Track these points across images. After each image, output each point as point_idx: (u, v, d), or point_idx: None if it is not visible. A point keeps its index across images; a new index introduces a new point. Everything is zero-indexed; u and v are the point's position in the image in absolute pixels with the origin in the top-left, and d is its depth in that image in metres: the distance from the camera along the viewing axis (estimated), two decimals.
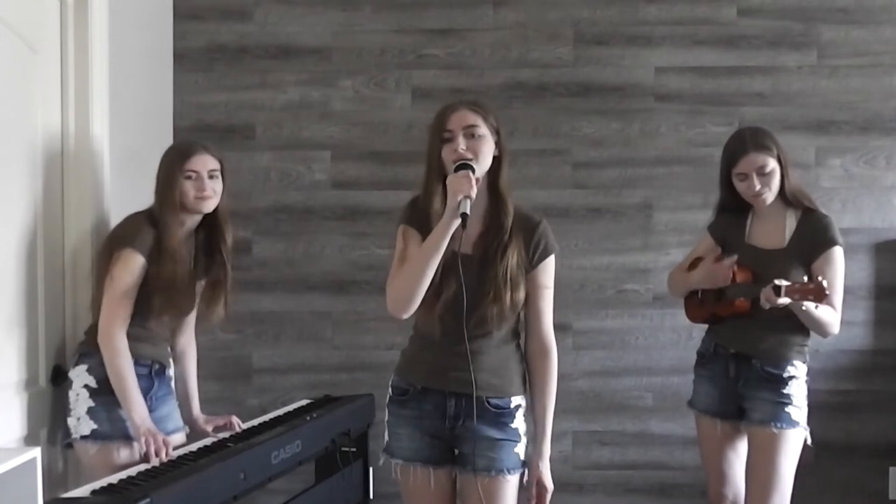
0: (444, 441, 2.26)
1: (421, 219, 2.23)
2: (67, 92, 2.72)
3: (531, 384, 2.29)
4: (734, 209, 2.82)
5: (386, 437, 2.33)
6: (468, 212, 2.05)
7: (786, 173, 2.70)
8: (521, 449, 2.26)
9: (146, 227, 2.52)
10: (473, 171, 2.11)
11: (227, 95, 3.72)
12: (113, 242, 2.54)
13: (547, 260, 2.28)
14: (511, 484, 2.24)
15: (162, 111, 3.59)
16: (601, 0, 3.70)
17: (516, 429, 2.25)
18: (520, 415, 2.27)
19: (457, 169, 2.12)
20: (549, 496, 2.27)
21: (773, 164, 2.67)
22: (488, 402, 2.22)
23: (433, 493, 2.26)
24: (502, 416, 2.23)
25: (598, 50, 3.71)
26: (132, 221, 2.57)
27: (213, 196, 2.58)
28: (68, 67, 2.71)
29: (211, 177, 2.58)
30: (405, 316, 2.18)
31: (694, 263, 2.91)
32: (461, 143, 2.16)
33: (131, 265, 2.47)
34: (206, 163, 2.57)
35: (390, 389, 2.33)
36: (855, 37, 3.66)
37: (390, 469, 2.34)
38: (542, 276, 2.28)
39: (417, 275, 2.12)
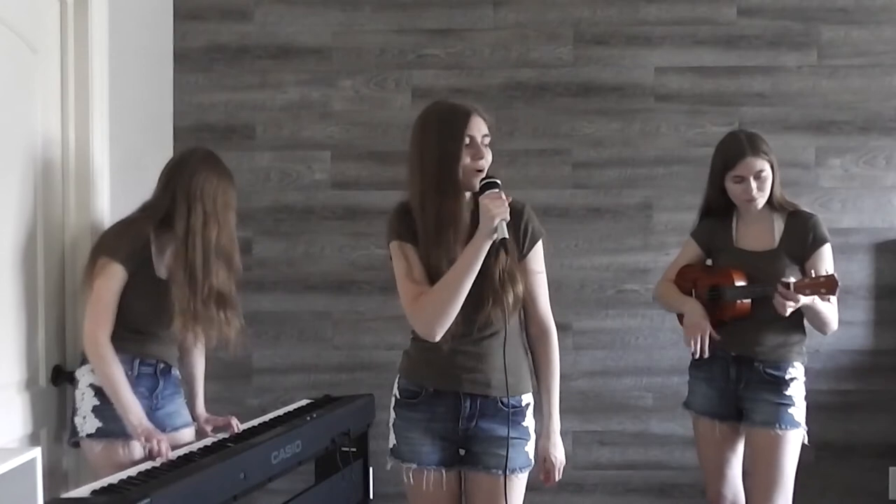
0: (453, 442, 2.26)
1: (413, 230, 2.19)
2: (67, 92, 2.72)
3: (535, 366, 2.30)
4: (718, 212, 2.83)
5: (393, 441, 2.30)
6: (506, 235, 2.04)
7: (775, 179, 2.72)
8: (530, 447, 2.27)
9: (133, 235, 2.51)
10: (500, 188, 2.10)
11: (227, 95, 3.72)
12: (95, 251, 2.54)
13: (536, 246, 2.27)
14: (521, 482, 2.25)
15: (162, 111, 3.59)
16: (601, 0, 3.70)
17: (527, 427, 2.26)
18: (530, 413, 2.28)
19: (485, 187, 2.10)
20: (557, 471, 2.29)
21: (768, 170, 2.70)
22: (501, 402, 2.22)
23: (445, 495, 2.27)
24: (515, 415, 2.23)
25: (598, 50, 3.71)
26: (116, 230, 2.56)
27: None
28: (68, 67, 2.71)
29: None
30: (438, 338, 2.14)
31: (684, 271, 2.90)
32: (487, 155, 2.16)
33: (110, 275, 2.47)
34: None
35: (397, 392, 2.31)
36: (855, 37, 3.67)
37: (390, 469, 2.33)
38: (534, 262, 2.27)
39: (452, 300, 2.09)
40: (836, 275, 2.48)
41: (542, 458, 2.28)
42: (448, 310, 2.10)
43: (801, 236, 2.70)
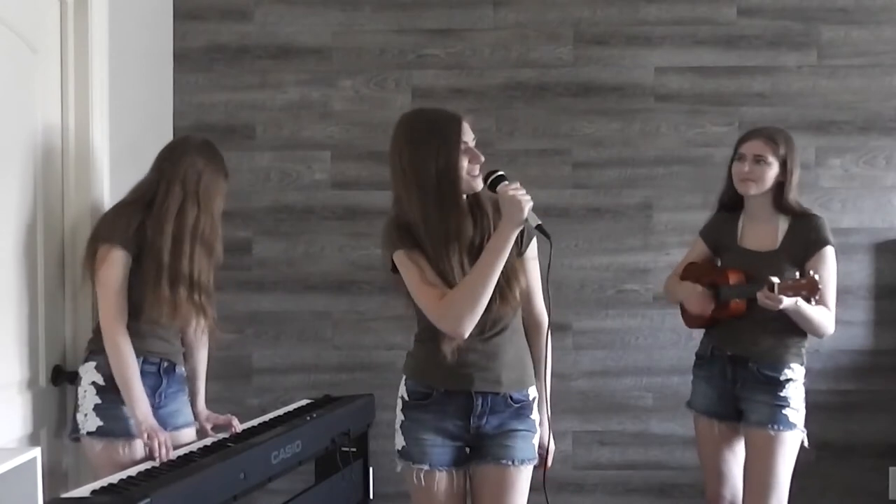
0: (462, 441, 2.27)
1: (415, 240, 2.17)
2: (67, 92, 2.71)
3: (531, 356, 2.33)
4: (729, 206, 2.85)
5: (401, 443, 2.29)
6: (540, 220, 2.06)
7: (788, 181, 2.71)
8: (537, 440, 2.29)
9: (130, 219, 2.50)
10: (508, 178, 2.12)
11: (227, 95, 3.72)
12: (92, 241, 2.53)
13: (532, 242, 2.29)
14: (526, 473, 2.27)
15: (162, 111, 3.59)
16: (601, 0, 3.70)
17: (534, 420, 2.28)
18: (535, 406, 2.30)
19: (496, 181, 2.11)
20: (550, 457, 2.39)
21: (771, 159, 2.69)
22: (510, 398, 2.24)
23: (455, 495, 2.27)
24: (523, 409, 2.26)
25: (598, 50, 3.71)
26: (109, 217, 2.55)
27: None
28: (68, 67, 2.71)
29: None
30: (467, 334, 2.13)
31: (689, 268, 2.91)
32: (480, 156, 2.17)
33: (113, 261, 2.46)
34: None
35: (406, 394, 2.30)
36: (855, 37, 3.66)
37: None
38: (531, 256, 2.30)
39: (482, 292, 2.08)
40: (816, 276, 2.45)
41: (539, 445, 2.34)
42: (478, 304, 2.10)
43: (804, 237, 2.69)
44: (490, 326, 2.21)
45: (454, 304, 2.11)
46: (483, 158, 2.17)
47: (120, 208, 2.56)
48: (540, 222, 2.07)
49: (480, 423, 2.23)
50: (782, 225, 2.74)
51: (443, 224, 2.15)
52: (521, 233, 2.22)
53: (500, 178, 2.12)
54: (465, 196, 2.19)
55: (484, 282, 2.09)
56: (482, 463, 2.25)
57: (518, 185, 2.08)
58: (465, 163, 2.15)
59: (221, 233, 2.63)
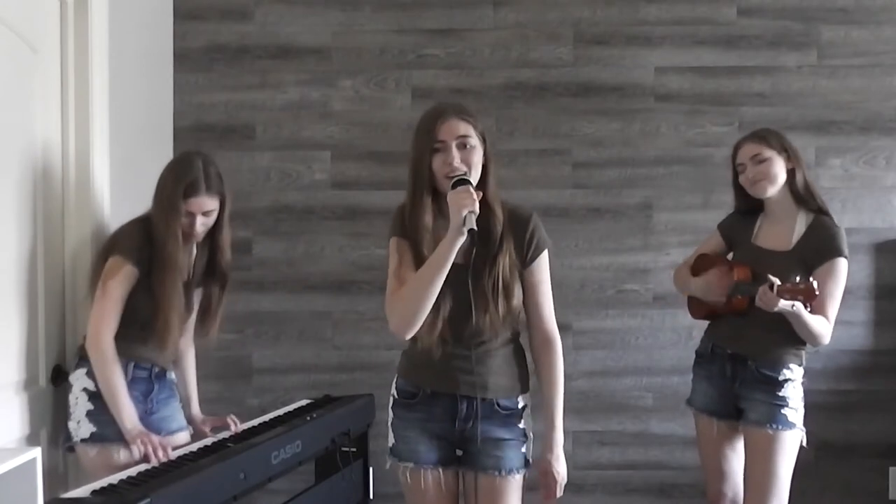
0: (450, 442, 2.26)
1: (412, 230, 2.18)
2: (67, 92, 2.72)
3: (538, 378, 2.27)
4: (747, 212, 2.85)
5: (391, 440, 2.31)
6: (475, 227, 1.99)
7: (796, 169, 2.72)
8: (527, 449, 2.26)
9: (140, 234, 2.52)
10: (472, 185, 2.06)
11: (227, 95, 3.72)
12: (106, 250, 2.55)
13: (541, 256, 2.24)
14: (516, 483, 2.25)
15: (162, 111, 3.59)
16: (601, 0, 3.70)
17: (523, 429, 2.26)
18: (526, 415, 2.27)
19: (455, 185, 2.06)
20: (560, 487, 2.23)
21: (769, 154, 2.70)
22: (498, 404, 2.23)
23: (443, 494, 2.26)
24: (510, 417, 2.24)
25: (598, 50, 3.71)
26: (126, 229, 2.58)
27: (200, 234, 2.60)
28: (68, 67, 2.71)
29: (204, 215, 2.57)
30: (409, 336, 2.13)
31: (700, 259, 2.92)
32: (456, 156, 2.11)
33: (121, 273, 2.47)
34: (202, 205, 2.55)
35: (395, 393, 2.31)
36: (855, 37, 3.67)
37: (390, 469, 2.33)
38: (537, 272, 2.25)
39: (422, 295, 2.06)
40: (815, 283, 2.43)
41: (544, 473, 2.24)
42: (418, 307, 2.07)
43: (817, 244, 2.67)
44: (472, 337, 2.19)
45: (397, 303, 2.12)
46: (454, 159, 2.11)
47: (136, 223, 2.58)
48: (473, 227, 1.99)
49: (466, 426, 2.22)
50: (799, 227, 2.72)
51: (412, 219, 2.17)
52: (528, 245, 2.21)
53: (458, 183, 2.06)
54: (441, 195, 2.15)
55: (421, 286, 2.06)
56: (471, 471, 2.25)
57: (470, 189, 2.03)
58: (437, 161, 2.13)
59: (177, 241, 2.55)
